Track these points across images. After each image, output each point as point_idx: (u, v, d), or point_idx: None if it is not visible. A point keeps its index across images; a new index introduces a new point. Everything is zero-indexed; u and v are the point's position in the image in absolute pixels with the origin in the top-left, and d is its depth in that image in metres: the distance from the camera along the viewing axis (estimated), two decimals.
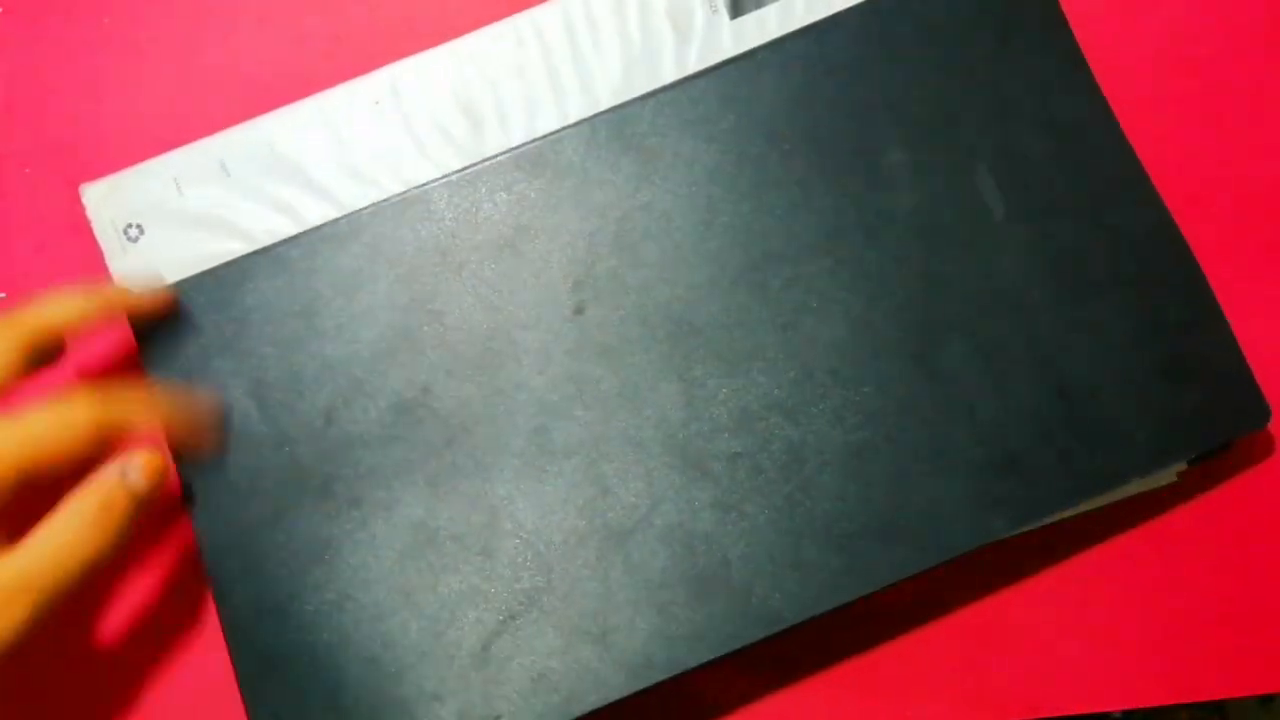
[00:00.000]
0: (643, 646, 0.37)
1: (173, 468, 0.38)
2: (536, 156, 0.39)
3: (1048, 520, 0.39)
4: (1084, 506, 0.40)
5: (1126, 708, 0.41)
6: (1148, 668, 0.41)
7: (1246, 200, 0.44)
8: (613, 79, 0.40)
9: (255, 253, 0.39)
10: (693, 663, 0.37)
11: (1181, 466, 0.40)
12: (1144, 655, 0.41)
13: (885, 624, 0.41)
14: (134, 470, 0.35)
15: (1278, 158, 0.45)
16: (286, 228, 0.39)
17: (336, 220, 0.39)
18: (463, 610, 0.37)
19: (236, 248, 0.39)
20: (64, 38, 0.43)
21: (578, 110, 0.39)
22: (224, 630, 0.37)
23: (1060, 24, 0.41)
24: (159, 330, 0.39)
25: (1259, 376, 0.40)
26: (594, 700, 0.36)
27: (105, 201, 0.39)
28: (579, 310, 0.38)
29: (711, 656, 0.37)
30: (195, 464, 0.38)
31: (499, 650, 0.37)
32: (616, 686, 0.36)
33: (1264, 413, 0.39)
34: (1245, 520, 0.42)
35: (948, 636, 0.41)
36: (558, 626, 0.37)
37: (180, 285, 0.39)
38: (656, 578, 0.37)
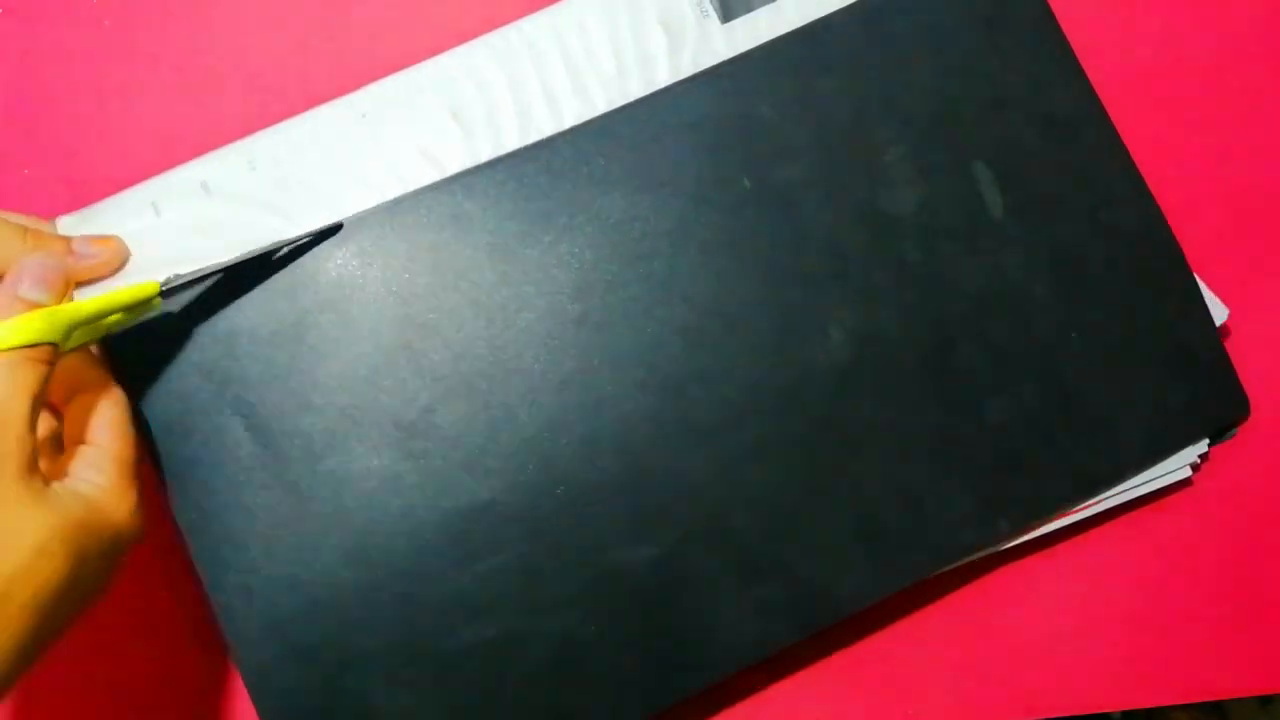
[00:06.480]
0: (693, 656, 0.37)
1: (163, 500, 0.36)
2: (531, 162, 0.38)
3: (1049, 521, 0.39)
4: (1083, 507, 0.40)
5: (1126, 708, 0.41)
6: (1147, 668, 0.41)
7: (1235, 200, 0.44)
8: (607, 85, 0.39)
9: (238, 266, 0.36)
10: (739, 665, 0.37)
11: (1195, 460, 0.40)
12: (1143, 655, 0.41)
13: (885, 623, 0.41)
14: (32, 274, 0.31)
15: (1268, 159, 0.45)
16: (271, 241, 0.37)
17: (323, 230, 0.37)
18: (510, 654, 0.36)
19: (220, 262, 0.36)
20: (64, 40, 0.42)
21: (573, 117, 0.39)
22: (250, 693, 0.35)
23: (1048, 20, 0.41)
24: (141, 352, 0.36)
25: (1249, 372, 0.40)
26: (656, 703, 0.37)
27: (79, 230, 0.36)
28: (583, 319, 0.37)
29: (759, 658, 0.37)
30: (192, 510, 0.35)
31: (554, 676, 0.36)
32: (676, 690, 0.37)
33: (1244, 405, 0.40)
34: (1244, 522, 0.42)
35: (948, 636, 0.41)
36: (608, 651, 0.36)
37: (162, 305, 0.36)
38: (692, 597, 0.37)
